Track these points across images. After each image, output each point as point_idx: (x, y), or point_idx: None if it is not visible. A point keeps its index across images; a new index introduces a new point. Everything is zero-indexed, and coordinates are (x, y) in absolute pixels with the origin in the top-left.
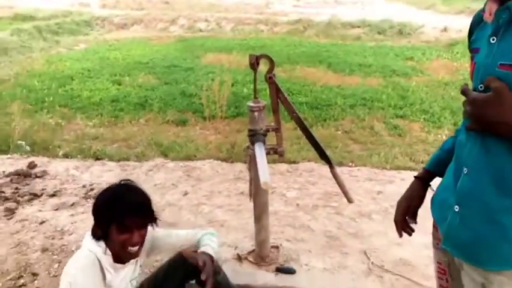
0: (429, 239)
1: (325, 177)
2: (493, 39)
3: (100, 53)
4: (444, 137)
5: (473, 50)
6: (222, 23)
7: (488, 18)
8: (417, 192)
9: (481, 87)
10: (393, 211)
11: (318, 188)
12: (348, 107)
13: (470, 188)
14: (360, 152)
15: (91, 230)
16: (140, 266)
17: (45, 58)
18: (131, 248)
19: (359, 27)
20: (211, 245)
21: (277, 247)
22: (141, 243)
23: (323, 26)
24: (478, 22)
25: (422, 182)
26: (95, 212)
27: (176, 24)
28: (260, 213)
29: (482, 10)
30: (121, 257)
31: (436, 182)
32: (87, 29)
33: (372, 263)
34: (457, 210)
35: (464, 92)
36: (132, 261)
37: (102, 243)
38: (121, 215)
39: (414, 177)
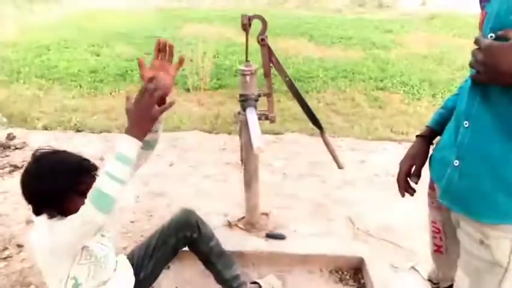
0: (414, 204)
1: (310, 147)
2: None
3: (76, 22)
4: (423, 109)
5: None
6: None
7: None
8: (421, 150)
9: (491, 36)
10: (376, 179)
11: (304, 158)
12: (330, 79)
13: (471, 140)
14: (342, 124)
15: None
16: None
17: (18, 27)
18: None
19: None
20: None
21: (267, 214)
22: None
23: None
24: None
25: (424, 140)
26: (36, 195)
27: None
28: (250, 180)
29: None
30: None
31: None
32: None
33: (357, 228)
34: (456, 164)
35: (477, 40)
36: None
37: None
38: (73, 183)
39: (417, 136)
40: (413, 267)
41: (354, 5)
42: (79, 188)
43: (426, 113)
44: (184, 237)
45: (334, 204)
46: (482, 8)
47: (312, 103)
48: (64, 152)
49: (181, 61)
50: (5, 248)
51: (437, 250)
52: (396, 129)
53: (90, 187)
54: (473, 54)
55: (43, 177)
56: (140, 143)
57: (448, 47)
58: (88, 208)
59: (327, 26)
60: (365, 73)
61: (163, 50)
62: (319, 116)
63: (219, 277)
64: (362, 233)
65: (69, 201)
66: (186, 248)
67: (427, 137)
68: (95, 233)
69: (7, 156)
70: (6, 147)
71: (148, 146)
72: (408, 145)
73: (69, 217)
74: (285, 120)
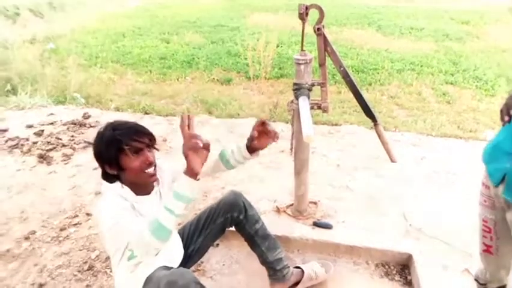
0: (472, 204)
1: (367, 140)
2: None
3: (150, 11)
4: (497, 107)
5: None
6: None
7: None
8: None
9: None
10: (436, 177)
11: (360, 151)
12: (396, 71)
13: None
14: (405, 118)
15: (102, 179)
16: None
17: (98, 15)
18: (149, 170)
19: None
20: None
21: (315, 203)
22: (155, 165)
23: None
24: None
25: None
26: (100, 152)
27: None
28: (300, 168)
29: None
30: (140, 184)
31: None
32: None
33: (410, 225)
34: None
35: None
36: (154, 190)
37: (117, 183)
38: (128, 139)
39: None
40: (466, 270)
41: None
42: (133, 145)
43: (499, 111)
44: (231, 217)
45: (388, 199)
46: None
47: (374, 95)
48: (127, 121)
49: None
50: (76, 216)
51: (487, 250)
52: (464, 127)
53: (143, 148)
54: None
55: (102, 138)
56: (192, 182)
57: None
58: (146, 236)
59: (397, 15)
60: (434, 66)
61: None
62: (380, 109)
63: (262, 258)
64: (415, 230)
65: (125, 159)
66: (233, 228)
67: None
68: (148, 253)
69: (82, 133)
70: (82, 125)
71: (229, 166)
72: (477, 143)
73: (129, 228)
74: (344, 112)
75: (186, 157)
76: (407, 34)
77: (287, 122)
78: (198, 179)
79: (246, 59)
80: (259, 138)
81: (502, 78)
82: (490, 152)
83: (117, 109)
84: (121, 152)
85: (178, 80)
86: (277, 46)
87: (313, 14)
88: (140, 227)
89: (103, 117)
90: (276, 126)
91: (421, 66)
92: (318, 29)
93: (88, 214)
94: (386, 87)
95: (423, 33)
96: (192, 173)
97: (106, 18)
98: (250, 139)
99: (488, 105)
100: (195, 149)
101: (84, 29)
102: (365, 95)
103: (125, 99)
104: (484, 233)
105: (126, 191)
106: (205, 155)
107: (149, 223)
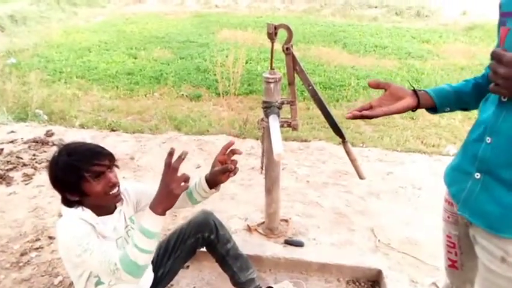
0: (439, 219)
1: (336, 156)
2: None
3: (117, 26)
4: (457, 122)
5: (505, 13)
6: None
7: None
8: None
9: None
10: (402, 192)
11: (329, 166)
12: (362, 88)
13: (494, 155)
14: (372, 134)
15: (61, 205)
16: (130, 219)
17: (63, 29)
18: (113, 191)
19: (376, 7)
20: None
21: (286, 220)
22: (119, 185)
23: (340, 5)
24: None
25: (414, 95)
26: (58, 180)
27: None
28: (271, 186)
29: None
30: (105, 206)
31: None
32: (104, 1)
33: (378, 240)
34: (478, 177)
35: (496, 53)
36: (117, 210)
37: (77, 208)
38: (87, 164)
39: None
40: (434, 284)
41: (390, 14)
42: (93, 170)
43: (459, 127)
44: (202, 237)
45: (357, 214)
46: (504, 23)
47: (342, 111)
48: (83, 142)
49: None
50: (37, 239)
51: (452, 265)
52: (428, 142)
53: (104, 171)
54: (493, 67)
55: (58, 165)
56: (163, 218)
57: (488, 59)
58: (117, 271)
59: (361, 34)
60: (398, 83)
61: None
62: (347, 125)
63: (234, 279)
64: (384, 245)
65: (86, 185)
66: (204, 249)
67: (418, 94)
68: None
69: (45, 152)
70: (44, 143)
71: (194, 201)
72: (440, 158)
73: (98, 258)
74: (313, 128)
75: (164, 191)
76: (371, 52)
77: (257, 139)
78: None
79: (215, 75)
80: (222, 171)
81: None
82: (450, 174)
83: (82, 126)
84: (81, 179)
85: (145, 96)
86: (246, 62)
87: (282, 33)
88: (110, 258)
89: (67, 135)
90: (246, 143)
91: None
92: (287, 48)
93: (50, 237)
94: (352, 103)
95: (386, 51)
96: (163, 210)
97: (71, 32)
98: (212, 173)
99: (449, 121)
100: (177, 184)
101: (48, 43)
102: (333, 112)
103: (91, 115)
104: (449, 249)
105: (87, 213)
106: (182, 190)
107: (120, 258)
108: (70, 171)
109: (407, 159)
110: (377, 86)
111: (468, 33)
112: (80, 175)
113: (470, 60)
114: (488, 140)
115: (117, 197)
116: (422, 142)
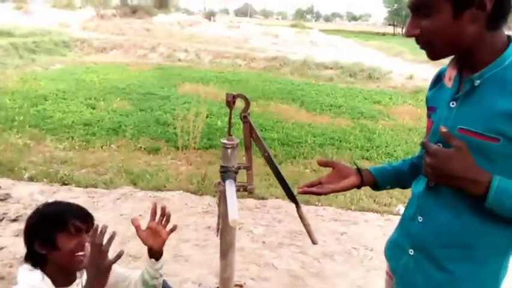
0: None
1: (292, 215)
2: (453, 104)
3: (76, 75)
4: None
5: (430, 107)
6: (201, 55)
7: (448, 83)
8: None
9: (439, 145)
10: (355, 253)
11: (285, 226)
12: (318, 145)
13: (423, 236)
14: None
15: (24, 261)
16: None
17: (19, 76)
18: (80, 255)
19: (331, 68)
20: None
21: (241, 286)
22: (85, 254)
23: (298, 64)
24: (437, 80)
25: (358, 174)
26: (35, 228)
27: (155, 51)
28: (226, 250)
29: (443, 72)
30: (67, 270)
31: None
32: (65, 49)
33: None
34: (411, 253)
35: (425, 145)
36: (76, 282)
37: (37, 271)
38: (76, 217)
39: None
40: None
41: (345, 75)
42: (77, 225)
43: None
44: None
45: (311, 277)
46: (429, 116)
47: (298, 168)
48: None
49: (173, 228)
50: None
51: None
52: (380, 201)
53: (82, 230)
54: (424, 156)
55: (42, 214)
56: None
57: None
58: None
59: (318, 93)
60: (351, 142)
61: (159, 214)
62: (304, 181)
63: None
64: None
65: (62, 238)
66: None
67: (362, 173)
68: None
69: None
70: None
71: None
72: (390, 217)
73: None
74: (270, 185)
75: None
76: (327, 111)
77: (214, 196)
78: None
79: (175, 128)
80: (153, 235)
81: (410, 155)
82: (390, 247)
83: (31, 179)
84: (62, 229)
85: (102, 147)
86: (207, 117)
87: (240, 102)
88: None
89: (15, 189)
90: (203, 199)
91: (340, 141)
92: (245, 116)
93: None
94: (309, 160)
95: (341, 110)
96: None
97: (28, 79)
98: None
99: None
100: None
101: (2, 90)
102: (290, 169)
103: (42, 167)
104: None
105: (46, 283)
106: (108, 263)
107: None
108: (53, 219)
109: (360, 218)
110: (325, 164)
111: (415, 96)
112: (64, 224)
113: (417, 122)
114: (420, 219)
115: (81, 263)
116: (374, 201)
